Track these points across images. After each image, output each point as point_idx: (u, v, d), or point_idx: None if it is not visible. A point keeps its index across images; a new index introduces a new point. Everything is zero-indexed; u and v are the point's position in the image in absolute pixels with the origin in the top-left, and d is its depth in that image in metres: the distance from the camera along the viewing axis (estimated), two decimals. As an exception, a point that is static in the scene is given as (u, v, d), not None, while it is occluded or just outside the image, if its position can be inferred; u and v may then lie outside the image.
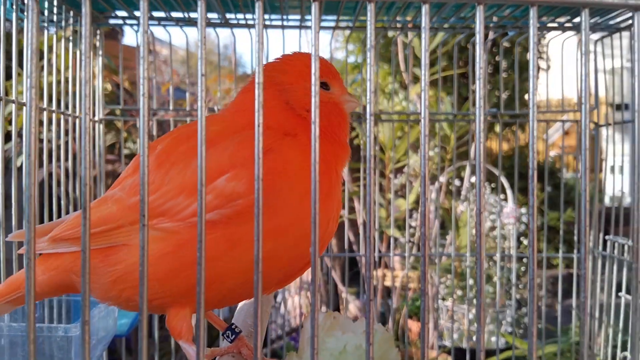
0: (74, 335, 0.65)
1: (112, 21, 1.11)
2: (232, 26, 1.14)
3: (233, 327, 0.54)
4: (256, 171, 0.32)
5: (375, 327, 0.33)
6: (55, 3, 0.90)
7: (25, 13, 0.33)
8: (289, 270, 0.52)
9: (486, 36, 1.28)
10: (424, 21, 0.32)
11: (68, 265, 0.53)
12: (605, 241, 1.09)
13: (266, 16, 1.12)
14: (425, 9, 0.32)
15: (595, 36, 1.15)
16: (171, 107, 1.24)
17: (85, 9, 0.31)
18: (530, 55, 0.33)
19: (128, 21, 1.09)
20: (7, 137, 0.79)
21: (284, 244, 0.49)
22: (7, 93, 0.80)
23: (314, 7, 0.32)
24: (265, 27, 1.15)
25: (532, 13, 0.33)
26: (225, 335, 0.54)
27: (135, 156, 0.55)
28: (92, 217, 0.49)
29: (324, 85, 0.57)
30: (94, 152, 1.11)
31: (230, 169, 0.48)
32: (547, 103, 1.53)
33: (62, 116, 0.95)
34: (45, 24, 0.95)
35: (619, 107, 1.23)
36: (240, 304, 0.67)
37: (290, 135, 0.53)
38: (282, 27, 1.14)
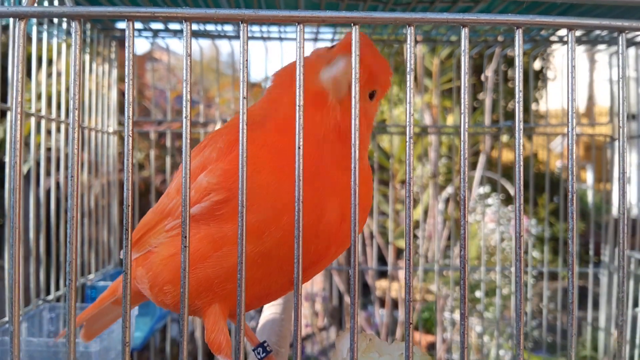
0: (93, 350, 0.64)
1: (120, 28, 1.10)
2: (230, 37, 1.14)
3: (265, 345, 0.54)
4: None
5: (413, 350, 0.33)
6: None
7: (72, 36, 0.33)
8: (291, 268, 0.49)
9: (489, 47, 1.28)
10: (464, 44, 0.32)
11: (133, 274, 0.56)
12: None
13: (264, 28, 1.13)
14: (465, 32, 0.32)
15: (605, 50, 1.15)
16: (169, 117, 1.24)
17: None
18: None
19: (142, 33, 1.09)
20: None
21: (270, 241, 0.46)
22: (4, 100, 0.80)
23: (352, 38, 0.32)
24: (264, 39, 1.16)
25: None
26: (256, 352, 0.54)
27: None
28: (139, 223, 0.56)
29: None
30: (107, 163, 1.11)
31: (208, 165, 0.49)
32: (547, 114, 1.52)
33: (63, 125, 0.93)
34: (55, 32, 0.94)
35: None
36: (261, 322, 0.66)
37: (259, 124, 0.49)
38: (280, 39, 1.15)
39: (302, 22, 0.33)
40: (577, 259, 1.19)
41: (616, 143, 1.17)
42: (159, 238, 0.52)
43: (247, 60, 0.33)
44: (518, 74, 0.33)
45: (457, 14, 0.32)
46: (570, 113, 0.34)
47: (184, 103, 0.33)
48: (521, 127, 0.34)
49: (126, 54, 0.33)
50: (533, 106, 2.69)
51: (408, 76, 0.32)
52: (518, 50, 0.33)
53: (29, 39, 0.83)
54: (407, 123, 0.33)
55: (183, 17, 0.33)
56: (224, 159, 0.48)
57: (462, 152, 0.33)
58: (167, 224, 0.51)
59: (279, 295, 0.54)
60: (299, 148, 0.33)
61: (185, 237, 0.33)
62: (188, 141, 0.33)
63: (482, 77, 2.26)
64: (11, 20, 0.73)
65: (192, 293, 0.48)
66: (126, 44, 0.33)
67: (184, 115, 0.33)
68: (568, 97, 0.34)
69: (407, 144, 0.33)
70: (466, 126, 0.32)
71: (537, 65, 3.04)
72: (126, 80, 0.33)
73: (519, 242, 0.34)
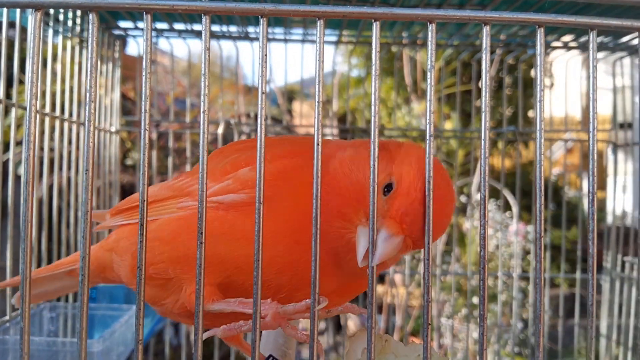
0: (96, 350, 0.63)
1: (114, 32, 1.09)
2: (235, 39, 1.13)
3: (271, 359, 0.52)
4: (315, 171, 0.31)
5: (431, 352, 0.33)
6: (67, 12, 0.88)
7: (88, 29, 0.33)
8: (296, 275, 0.47)
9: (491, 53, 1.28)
10: (485, 42, 0.32)
11: (111, 244, 0.55)
12: (623, 262, 1.08)
13: (269, 29, 1.11)
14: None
15: (606, 57, 1.15)
16: (171, 118, 1.25)
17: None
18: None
19: (131, 32, 1.08)
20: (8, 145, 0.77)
21: (279, 248, 0.46)
22: (9, 97, 0.79)
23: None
24: (269, 40, 1.15)
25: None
26: None
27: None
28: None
29: (387, 187, 0.44)
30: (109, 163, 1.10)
31: (254, 163, 0.48)
32: (551, 121, 1.52)
33: (67, 123, 0.92)
34: (60, 30, 0.93)
35: (621, 126, 1.24)
36: (264, 335, 0.64)
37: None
38: (285, 40, 1.14)
39: (322, 17, 0.33)
40: (567, 265, 1.19)
41: (617, 150, 1.17)
42: (162, 212, 0.50)
43: (266, 55, 0.33)
44: (540, 73, 0.33)
45: (479, 11, 0.32)
46: (591, 114, 0.33)
47: (202, 97, 0.32)
48: (542, 134, 0.33)
49: (144, 47, 0.33)
50: (530, 113, 2.70)
51: (429, 73, 0.32)
52: (540, 49, 0.33)
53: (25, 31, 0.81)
54: (427, 123, 0.33)
55: (203, 10, 0.32)
56: (272, 163, 0.46)
57: (482, 158, 0.33)
58: (182, 201, 0.50)
59: None
60: (318, 145, 0.32)
61: (202, 233, 0.33)
62: (206, 135, 0.33)
63: (479, 85, 2.27)
64: (18, 15, 0.72)
65: (168, 261, 0.47)
66: (144, 37, 0.33)
67: (201, 109, 0.32)
68: (589, 98, 0.34)
69: (427, 141, 0.32)
70: (487, 125, 0.32)
71: (534, 73, 3.05)
72: (143, 78, 0.32)
73: (539, 258, 0.34)
